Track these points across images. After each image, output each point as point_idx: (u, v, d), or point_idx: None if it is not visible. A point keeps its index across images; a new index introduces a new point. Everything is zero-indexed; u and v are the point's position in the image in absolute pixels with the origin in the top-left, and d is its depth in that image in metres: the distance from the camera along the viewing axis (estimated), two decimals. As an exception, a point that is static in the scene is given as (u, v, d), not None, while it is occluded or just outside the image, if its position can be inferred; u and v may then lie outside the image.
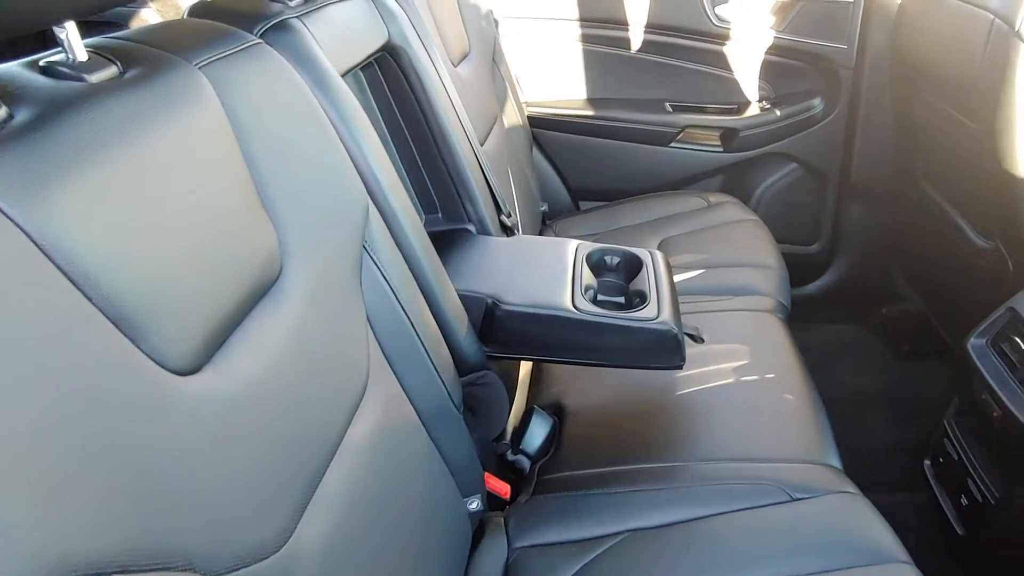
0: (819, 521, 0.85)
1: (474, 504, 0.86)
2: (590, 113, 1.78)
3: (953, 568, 1.18)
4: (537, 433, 1.04)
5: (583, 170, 1.81)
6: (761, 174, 1.82)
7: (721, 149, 1.79)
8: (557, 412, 1.09)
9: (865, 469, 1.40)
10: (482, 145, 1.27)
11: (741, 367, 1.12)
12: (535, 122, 1.77)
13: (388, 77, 1.03)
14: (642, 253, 1.07)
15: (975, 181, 1.27)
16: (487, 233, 1.12)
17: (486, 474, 0.96)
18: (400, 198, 0.82)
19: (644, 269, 1.03)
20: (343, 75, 0.83)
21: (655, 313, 0.93)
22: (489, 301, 0.94)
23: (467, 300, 0.93)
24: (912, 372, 1.74)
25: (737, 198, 1.70)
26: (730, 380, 1.09)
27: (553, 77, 1.81)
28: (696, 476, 0.93)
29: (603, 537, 0.87)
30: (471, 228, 1.11)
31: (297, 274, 0.60)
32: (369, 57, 0.96)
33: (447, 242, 1.08)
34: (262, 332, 0.54)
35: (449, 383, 0.82)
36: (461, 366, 0.90)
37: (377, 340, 0.72)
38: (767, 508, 0.87)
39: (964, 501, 1.14)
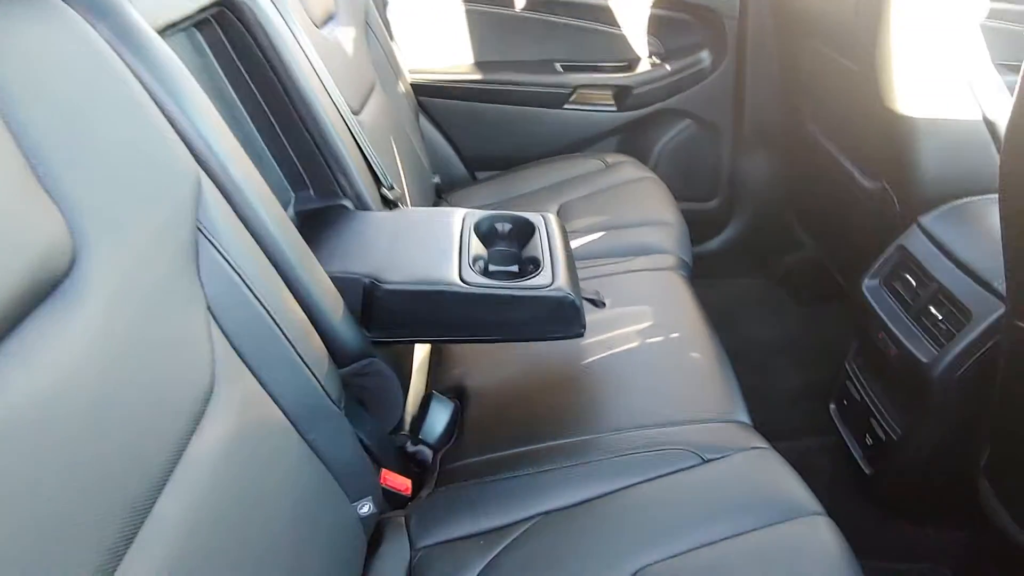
0: (732, 482, 0.81)
1: (365, 507, 0.77)
2: (477, 77, 1.70)
3: (863, 507, 1.20)
4: (437, 420, 0.97)
5: (475, 139, 1.73)
6: (657, 132, 1.79)
7: (615, 108, 1.75)
8: (459, 395, 1.02)
9: (774, 418, 1.40)
10: (357, 114, 1.16)
11: (645, 329, 1.08)
12: (420, 90, 1.67)
13: (231, 37, 0.90)
14: (534, 218, 1.00)
15: (860, 124, 1.27)
16: (366, 208, 1.02)
17: (383, 471, 0.87)
18: (245, 170, 0.71)
19: (537, 234, 0.96)
20: (163, 32, 0.71)
21: (549, 279, 0.86)
22: (367, 281, 0.85)
23: (342, 282, 0.84)
24: (814, 319, 1.77)
25: (635, 158, 1.67)
26: (635, 344, 1.05)
27: (436, 41, 1.71)
28: (607, 448, 0.88)
29: (513, 524, 0.81)
30: (348, 204, 1.01)
31: (97, 266, 0.48)
32: (201, 13, 0.83)
33: (321, 221, 0.98)
34: (47, 341, 0.43)
35: (323, 377, 0.72)
36: (340, 356, 0.81)
37: (225, 335, 0.62)
38: (680, 474, 0.83)
39: (869, 440, 1.16)
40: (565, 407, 0.96)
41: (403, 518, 0.84)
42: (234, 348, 0.63)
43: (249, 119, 0.96)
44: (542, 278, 0.87)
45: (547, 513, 0.81)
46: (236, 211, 0.68)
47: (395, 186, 1.12)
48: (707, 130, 1.79)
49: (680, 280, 1.22)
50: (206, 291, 0.61)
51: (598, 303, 0.97)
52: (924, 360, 0.98)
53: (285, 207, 0.98)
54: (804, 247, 1.85)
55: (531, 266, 0.90)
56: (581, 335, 0.88)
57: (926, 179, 1.10)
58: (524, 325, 0.87)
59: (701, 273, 1.93)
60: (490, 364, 1.05)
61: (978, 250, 0.97)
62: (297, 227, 0.85)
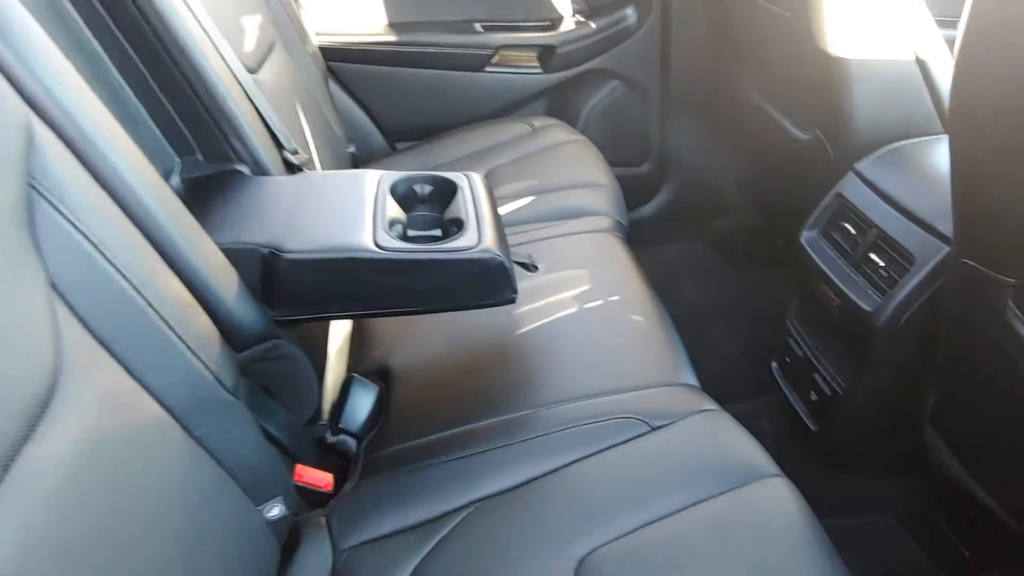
0: (684, 448, 0.75)
1: (275, 510, 0.67)
2: (391, 39, 1.58)
3: (811, 465, 1.18)
4: (359, 405, 0.87)
5: (393, 106, 1.61)
6: (584, 94, 1.72)
7: (540, 70, 1.67)
8: (383, 377, 0.92)
9: (717, 381, 1.37)
10: (254, 73, 1.03)
11: (584, 293, 1.01)
12: (329, 54, 1.54)
13: (86, -24, 0.77)
14: (456, 177, 0.91)
15: (792, 73, 1.23)
16: (266, 173, 0.90)
17: (298, 468, 0.77)
18: (99, 121, 0.59)
19: (460, 194, 0.87)
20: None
21: (475, 240, 0.78)
22: (266, 252, 0.74)
23: (236, 255, 0.72)
24: (752, 281, 1.75)
25: (563, 121, 1.59)
26: (573, 309, 0.98)
27: (345, 1, 1.58)
28: (547, 423, 0.80)
29: (446, 515, 0.72)
30: (244, 169, 0.89)
31: None
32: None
33: (212, 188, 0.86)
34: None
35: (213, 363, 0.62)
36: (237, 339, 0.70)
37: (77, 316, 0.51)
38: (628, 444, 0.77)
39: (813, 397, 1.13)
40: (499, 383, 0.89)
41: (323, 518, 0.75)
42: (91, 332, 0.52)
43: (118, 74, 0.83)
44: (466, 239, 0.78)
45: (483, 500, 0.73)
46: (89, 168, 0.56)
47: (300, 151, 1.01)
48: (635, 91, 1.74)
49: (616, 242, 1.15)
50: (47, 263, 0.49)
51: (530, 267, 0.89)
52: (868, 309, 0.94)
53: (169, 175, 0.86)
54: (739, 209, 1.82)
55: (454, 228, 0.81)
56: (512, 301, 0.80)
57: (860, 124, 1.06)
58: (449, 293, 0.78)
59: (636, 240, 1.89)
60: (416, 340, 0.96)
61: (917, 192, 0.94)
62: (183, 196, 0.74)
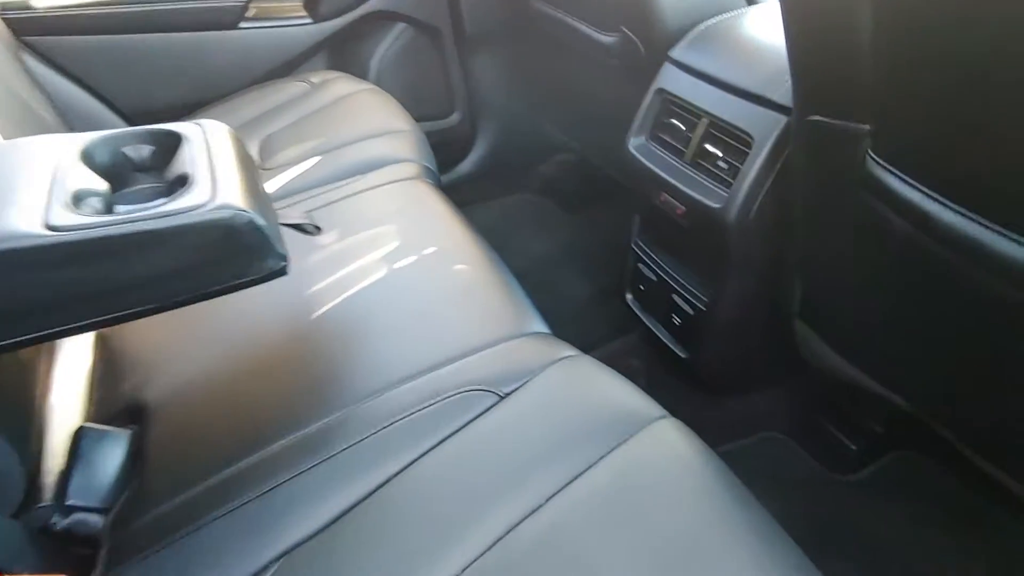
0: (547, 411, 0.58)
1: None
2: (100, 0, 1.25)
3: (688, 394, 1.07)
4: (99, 466, 0.61)
5: (130, 83, 1.29)
6: (369, 43, 1.50)
7: (310, 19, 1.42)
8: (135, 417, 0.67)
9: (574, 331, 1.23)
10: None
11: (394, 252, 0.81)
12: (22, 26, 1.19)
13: None
14: (181, 127, 0.66)
15: (582, -26, 1.10)
16: None
17: (2, 578, 0.51)
18: None
19: (186, 146, 0.63)
20: None
21: (207, 195, 0.55)
22: None
23: None
24: (589, 223, 1.65)
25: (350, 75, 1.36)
26: (382, 273, 0.77)
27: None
28: (362, 425, 0.60)
29: (239, 589, 0.50)
30: None
31: None
32: None
33: None
34: None
35: None
36: None
37: None
38: (474, 424, 0.58)
39: (677, 321, 1.02)
40: (297, 387, 0.66)
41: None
42: None
43: None
44: (193, 196, 0.55)
45: (289, 552, 0.51)
46: None
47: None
48: (426, 34, 1.54)
49: (428, 189, 0.96)
50: None
51: (308, 228, 0.67)
52: (715, 206, 0.83)
53: None
54: (564, 149, 1.70)
55: (177, 187, 0.58)
56: (283, 272, 0.58)
57: (666, 11, 0.94)
58: (182, 274, 0.54)
59: (458, 200, 1.72)
60: (180, 357, 0.71)
61: (741, 67, 0.83)
62: None
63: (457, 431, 0.57)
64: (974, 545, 0.90)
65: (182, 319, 0.72)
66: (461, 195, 1.69)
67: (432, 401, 0.60)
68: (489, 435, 0.57)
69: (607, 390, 0.59)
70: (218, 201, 0.54)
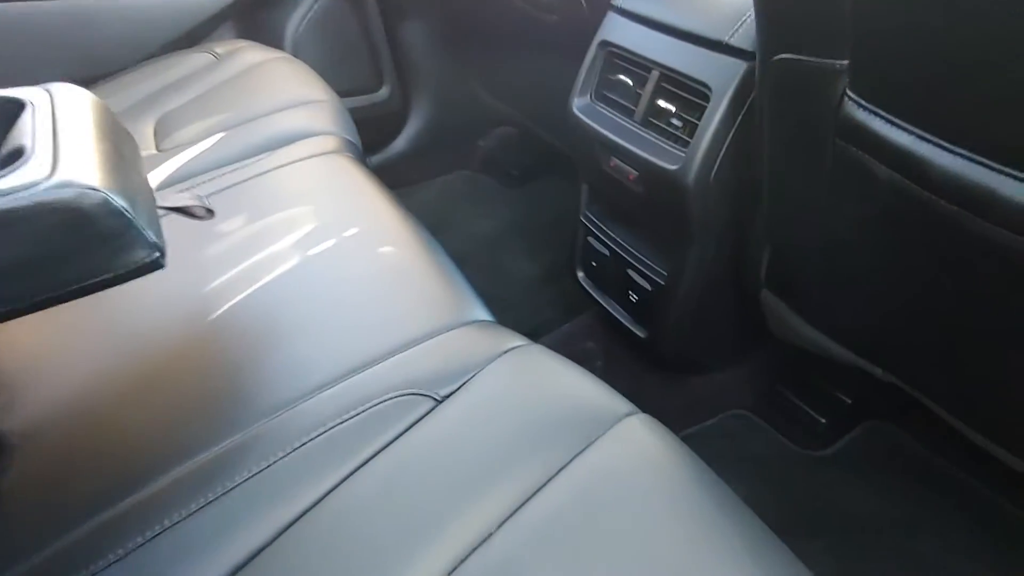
0: (495, 414, 0.49)
1: None
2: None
3: (648, 376, 1.00)
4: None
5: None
6: (282, 9, 1.36)
7: (210, -15, 1.27)
8: (-10, 451, 0.54)
9: (523, 315, 1.14)
10: None
11: (311, 236, 0.69)
12: None
13: None
14: (25, 92, 0.53)
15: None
16: None
17: None
18: None
19: (27, 115, 0.50)
20: None
21: (46, 171, 0.43)
22: None
23: None
24: (535, 195, 1.55)
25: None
26: (296, 261, 0.66)
27: None
28: (274, 445, 0.49)
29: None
30: None
31: None
32: None
33: None
34: None
35: None
36: None
37: None
38: (407, 436, 0.49)
39: (633, 298, 0.94)
40: (193, 404, 0.55)
41: None
42: None
43: None
44: (27, 172, 0.43)
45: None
46: None
47: None
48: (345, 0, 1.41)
49: (349, 163, 0.85)
50: None
51: (197, 212, 0.56)
52: (671, 168, 0.74)
53: None
54: (503, 121, 1.60)
55: (10, 163, 0.45)
56: (159, 266, 0.46)
57: (606, -45, 0.85)
58: (26, 271, 0.42)
59: (394, 181, 1.60)
60: (45, 376, 0.59)
61: (693, 10, 0.74)
62: None
63: (386, 446, 0.47)
64: (952, 516, 0.86)
65: (48, 328, 0.59)
66: (397, 176, 1.57)
67: (354, 412, 0.49)
68: (425, 449, 0.48)
69: (563, 384, 0.50)
70: (58, 177, 0.43)
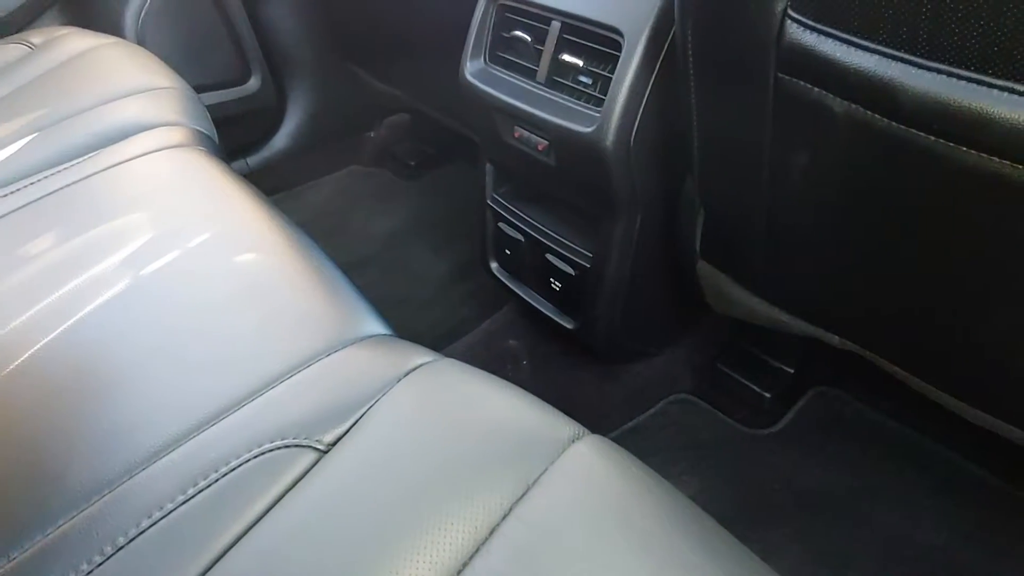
0: (405, 457, 0.36)
1: None
2: None
3: (582, 373, 0.90)
4: None
5: None
6: (116, -6, 1.16)
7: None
8: None
9: (434, 319, 1.02)
10: None
11: (147, 249, 0.54)
12: None
13: None
14: None
15: None
16: None
17: None
18: None
19: None
20: None
21: None
22: None
23: None
24: (435, 185, 1.43)
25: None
26: (127, 282, 0.51)
27: None
28: (100, 535, 0.35)
29: None
30: None
31: None
32: None
33: None
34: None
35: None
36: None
37: None
38: (284, 504, 0.35)
39: (556, 286, 0.83)
40: (18, 472, 0.40)
41: None
42: None
43: None
44: None
45: None
46: None
47: None
48: (194, -21, 1.23)
49: (203, 159, 0.69)
50: None
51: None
52: (585, 131, 0.64)
53: None
54: (393, 107, 1.46)
55: None
56: None
57: None
58: None
59: (279, 184, 1.44)
60: None
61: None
62: None
63: (247, 530, 0.34)
64: (911, 479, 0.81)
65: None
66: (281, 177, 1.41)
67: (202, 483, 0.36)
68: (308, 519, 0.35)
69: (486, 408, 0.38)
70: None
